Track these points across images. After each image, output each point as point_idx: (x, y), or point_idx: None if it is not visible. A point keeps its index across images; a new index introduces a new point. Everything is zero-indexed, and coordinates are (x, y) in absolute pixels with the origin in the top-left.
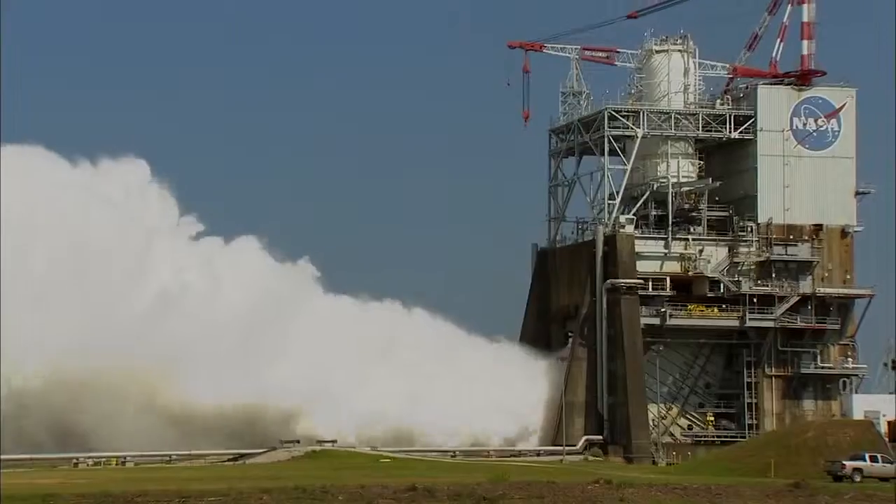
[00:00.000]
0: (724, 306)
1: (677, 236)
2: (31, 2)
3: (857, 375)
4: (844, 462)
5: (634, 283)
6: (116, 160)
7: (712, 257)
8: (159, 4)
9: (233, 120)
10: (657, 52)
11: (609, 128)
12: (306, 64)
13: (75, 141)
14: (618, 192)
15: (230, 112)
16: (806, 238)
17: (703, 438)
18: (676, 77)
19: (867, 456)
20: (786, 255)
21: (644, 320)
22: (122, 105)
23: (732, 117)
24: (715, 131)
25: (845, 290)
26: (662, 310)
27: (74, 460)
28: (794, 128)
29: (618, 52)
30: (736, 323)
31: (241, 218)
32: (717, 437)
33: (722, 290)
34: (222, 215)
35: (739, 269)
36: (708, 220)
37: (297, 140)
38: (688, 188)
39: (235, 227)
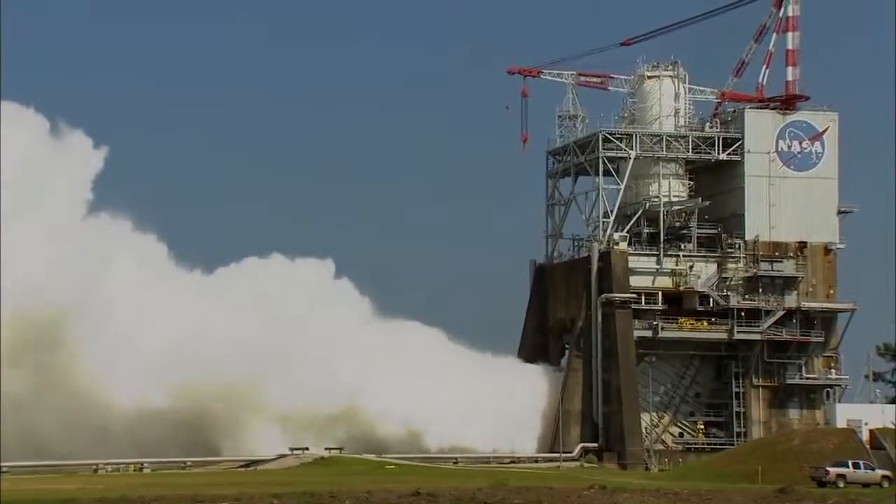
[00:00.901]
0: (713, 319)
1: (668, 253)
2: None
3: (839, 386)
4: (828, 468)
5: (628, 298)
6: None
7: (702, 273)
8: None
9: (230, 138)
10: (649, 77)
11: (603, 149)
12: (313, 80)
13: None
14: (612, 211)
15: (226, 129)
16: (791, 255)
17: (693, 446)
18: (667, 101)
19: (850, 463)
20: (772, 270)
21: (637, 333)
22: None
23: (721, 140)
24: (704, 153)
25: (828, 305)
26: (655, 323)
27: (94, 466)
28: (780, 150)
29: (611, 77)
30: (724, 335)
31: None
32: (707, 444)
33: (711, 304)
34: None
35: (728, 284)
36: (698, 238)
37: (298, 158)
38: (678, 207)
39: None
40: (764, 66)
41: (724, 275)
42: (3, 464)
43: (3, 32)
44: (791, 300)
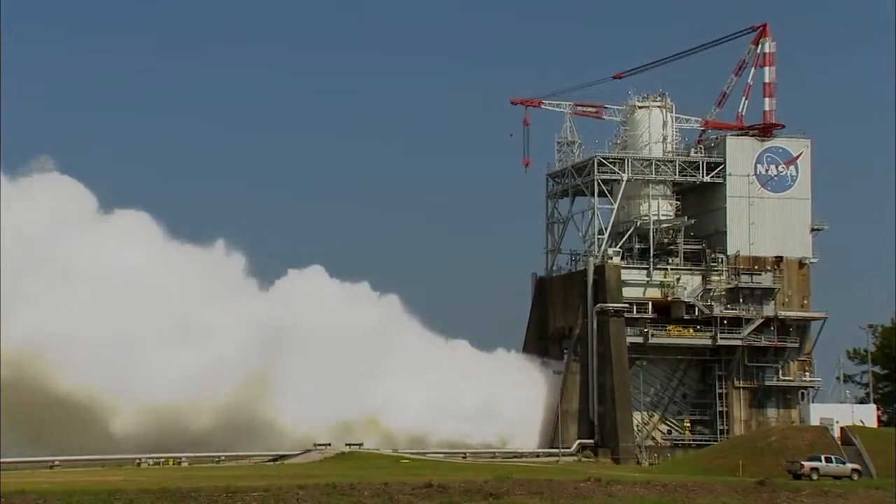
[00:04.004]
0: (698, 327)
1: (658, 266)
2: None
3: (813, 387)
4: (803, 462)
5: (621, 307)
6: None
7: (688, 284)
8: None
9: (246, 162)
10: (639, 107)
11: (598, 173)
12: (325, 113)
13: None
14: (606, 229)
15: (238, 151)
16: (769, 268)
17: (680, 442)
18: (656, 129)
19: (823, 457)
20: (751, 282)
21: (629, 339)
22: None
23: (705, 164)
24: (689, 176)
25: (803, 314)
26: (645, 330)
27: (137, 460)
28: (758, 173)
29: (605, 107)
30: (709, 342)
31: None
32: (693, 440)
33: (696, 313)
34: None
35: (711, 294)
36: (684, 253)
37: (317, 185)
38: (666, 225)
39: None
40: (743, 98)
41: (708, 286)
42: (58, 458)
43: (2, 36)
44: (769, 309)
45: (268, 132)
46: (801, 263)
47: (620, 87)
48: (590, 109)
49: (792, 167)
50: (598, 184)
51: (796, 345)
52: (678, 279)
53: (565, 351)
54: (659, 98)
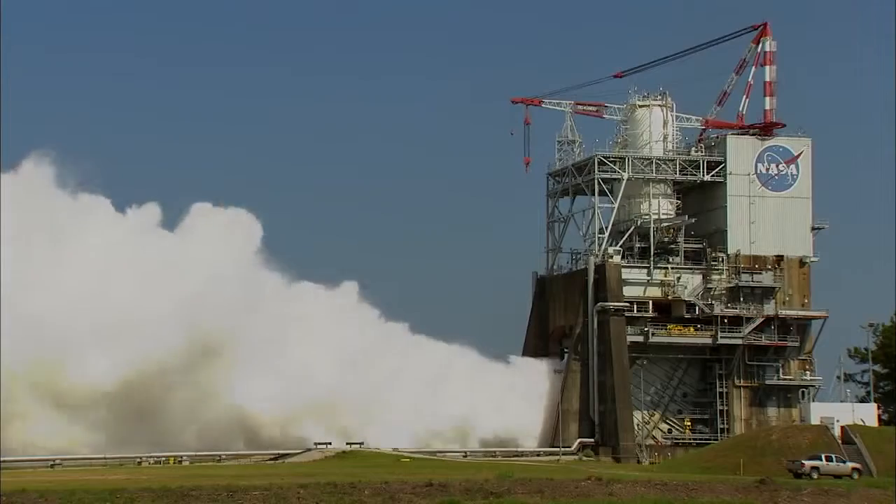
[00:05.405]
0: (698, 326)
1: (658, 265)
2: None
3: (814, 386)
4: (804, 461)
5: (621, 306)
6: None
7: (688, 283)
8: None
9: (255, 168)
10: (640, 106)
11: (599, 171)
12: (330, 110)
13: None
14: (606, 227)
15: (243, 156)
16: (769, 267)
17: (681, 441)
18: (657, 128)
19: (823, 456)
20: (752, 281)
21: (630, 338)
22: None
23: (705, 163)
24: (690, 175)
25: (803, 313)
26: (646, 329)
27: (138, 459)
28: (759, 172)
29: (606, 106)
30: (709, 340)
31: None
32: (694, 439)
33: (697, 312)
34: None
35: (712, 293)
36: (685, 252)
37: (329, 184)
38: (667, 224)
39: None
40: (744, 97)
41: (708, 285)
42: (60, 457)
43: (2, 36)
44: (769, 308)
45: (268, 131)
46: (802, 262)
47: (621, 86)
48: (590, 108)
49: (792, 166)
50: (599, 183)
51: (797, 344)
52: (679, 278)
53: (566, 350)
54: (659, 97)
